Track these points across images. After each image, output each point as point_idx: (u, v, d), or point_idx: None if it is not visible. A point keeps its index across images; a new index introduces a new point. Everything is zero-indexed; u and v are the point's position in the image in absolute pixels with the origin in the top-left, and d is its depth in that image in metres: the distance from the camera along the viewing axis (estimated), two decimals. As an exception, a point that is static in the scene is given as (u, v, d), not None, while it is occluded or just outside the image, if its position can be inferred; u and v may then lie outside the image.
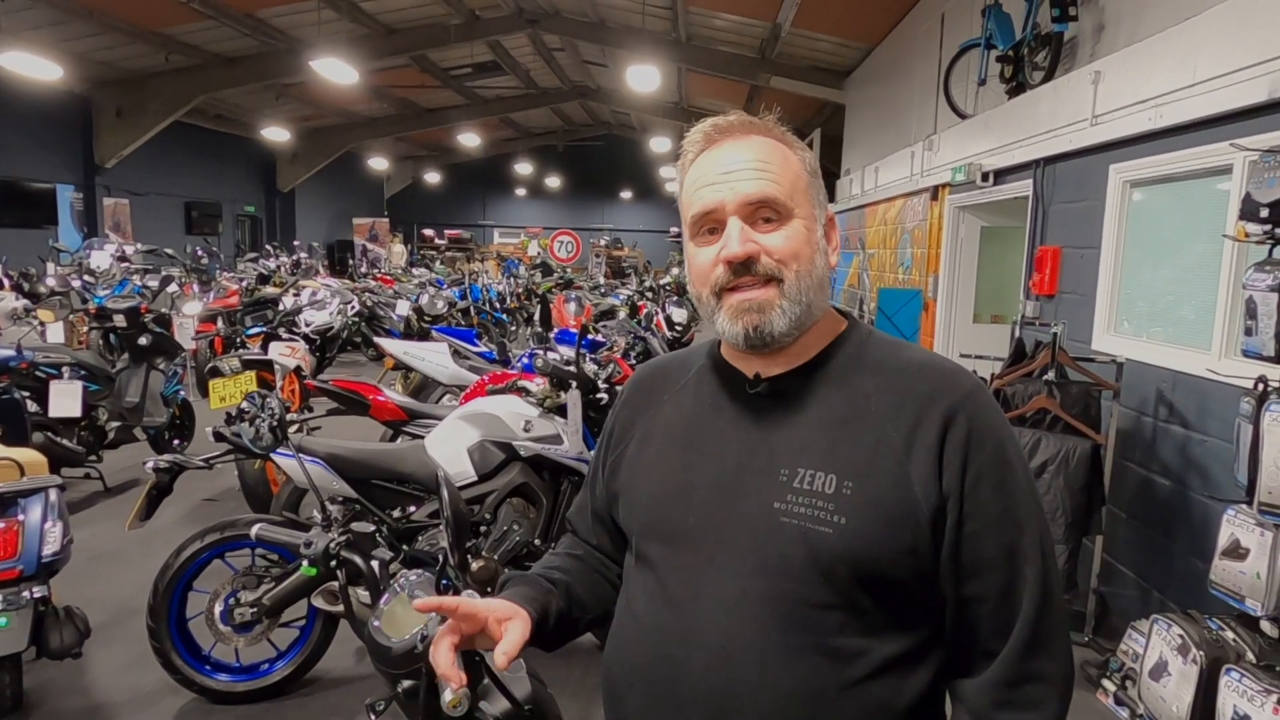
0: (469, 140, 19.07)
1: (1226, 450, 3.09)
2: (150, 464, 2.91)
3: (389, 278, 14.49)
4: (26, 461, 2.83)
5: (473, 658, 1.19)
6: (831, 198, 12.24)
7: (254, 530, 1.94)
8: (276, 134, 15.62)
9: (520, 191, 25.91)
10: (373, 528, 1.80)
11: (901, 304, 7.00)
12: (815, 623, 0.92)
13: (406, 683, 1.33)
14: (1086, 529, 3.45)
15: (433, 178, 24.64)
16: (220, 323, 8.58)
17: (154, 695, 3.01)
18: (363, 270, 16.52)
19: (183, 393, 5.90)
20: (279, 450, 3.00)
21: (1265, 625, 2.62)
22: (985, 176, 5.60)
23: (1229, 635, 2.68)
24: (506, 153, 24.04)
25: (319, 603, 2.88)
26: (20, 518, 2.69)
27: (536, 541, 3.12)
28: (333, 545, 1.70)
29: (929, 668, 0.96)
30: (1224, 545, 2.69)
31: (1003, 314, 6.52)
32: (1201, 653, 2.63)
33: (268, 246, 16.44)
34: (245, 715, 2.93)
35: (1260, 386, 2.56)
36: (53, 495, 2.86)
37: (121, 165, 14.17)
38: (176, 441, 5.95)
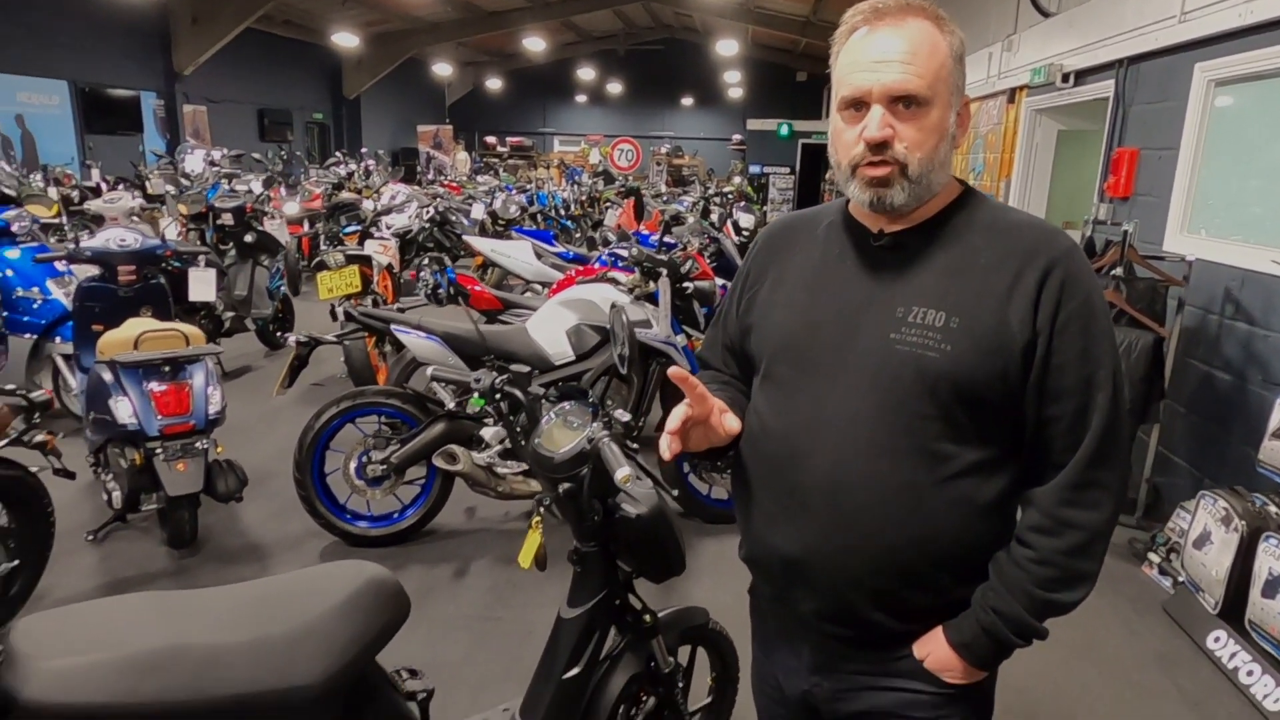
0: (533, 45, 18.88)
1: (1288, 344, 3.23)
2: (292, 339, 3.29)
3: (455, 185, 14.75)
4: (190, 333, 3.23)
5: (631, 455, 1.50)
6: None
7: (429, 371, 2.30)
8: (346, 39, 15.73)
9: (581, 98, 25.63)
10: (529, 368, 2.12)
11: (971, 209, 6.99)
12: (918, 429, 1.11)
13: (565, 486, 1.66)
14: (1144, 418, 3.64)
15: (494, 84, 24.53)
16: (306, 225, 9.02)
17: (300, 538, 3.48)
18: (429, 177, 16.76)
19: (283, 288, 6.34)
20: (401, 328, 3.37)
21: (1307, 501, 2.84)
22: (1065, 78, 5.54)
23: (1271, 509, 2.90)
24: (567, 58, 23.72)
25: (439, 462, 3.29)
26: (189, 381, 3.11)
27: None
28: (498, 381, 2.02)
29: (1005, 476, 1.15)
30: (1275, 426, 2.88)
31: (1074, 220, 6.50)
32: (1244, 522, 2.86)
33: (337, 154, 16.81)
34: (377, 556, 3.38)
35: (1323, 277, 2.69)
36: (210, 363, 3.29)
37: (198, 73, 14.53)
38: (279, 334, 6.44)
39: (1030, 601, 1.12)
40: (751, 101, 23.26)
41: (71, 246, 3.82)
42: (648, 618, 1.86)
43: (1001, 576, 1.15)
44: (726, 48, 16.50)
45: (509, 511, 3.80)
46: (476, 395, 1.99)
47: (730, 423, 1.22)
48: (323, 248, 9.84)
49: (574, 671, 1.78)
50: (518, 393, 1.94)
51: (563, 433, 1.68)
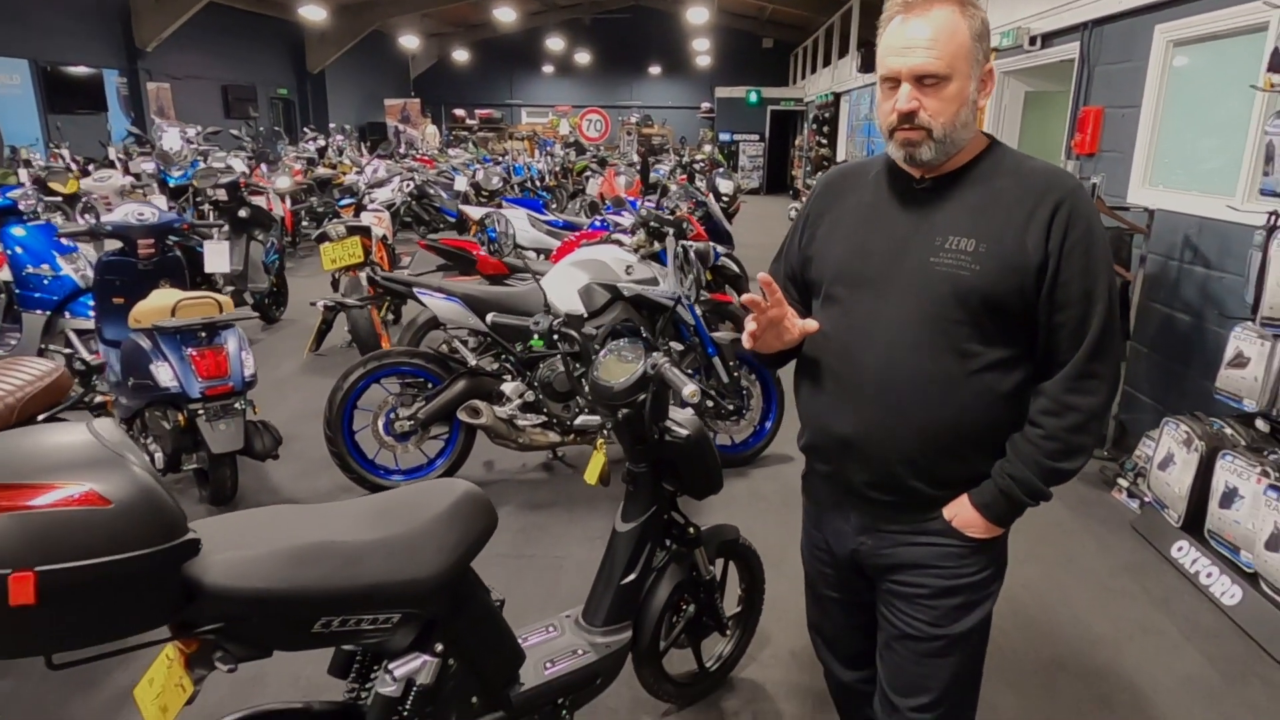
0: (504, 15, 18.74)
1: (1241, 283, 3.53)
2: (321, 303, 3.45)
3: (428, 159, 14.72)
4: (222, 301, 3.37)
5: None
6: (871, 68, 12.19)
7: (489, 318, 2.49)
8: (312, 12, 15.51)
9: (547, 69, 25.48)
10: (582, 311, 2.32)
11: (943, 170, 7.27)
12: (952, 332, 1.38)
13: (624, 412, 1.88)
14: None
15: (459, 56, 24.29)
16: (288, 201, 9.04)
17: (331, 493, 3.66)
18: (401, 151, 16.70)
19: (278, 262, 6.44)
20: (424, 290, 3.54)
21: (1259, 423, 3.16)
22: (1033, 40, 5.80)
23: (1228, 431, 3.22)
24: (533, 28, 23.55)
25: (464, 417, 3.49)
26: (225, 345, 3.27)
27: (637, 368, 3.68)
28: (555, 323, 2.22)
29: (1021, 371, 1.41)
30: (1229, 357, 3.18)
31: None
32: (1203, 443, 3.18)
33: (305, 129, 16.65)
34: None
35: (1272, 219, 2.98)
36: (240, 330, 3.44)
37: (161, 49, 14.29)
38: (275, 308, 6.55)
39: (1039, 469, 1.40)
40: (719, 69, 23.32)
41: (93, 221, 3.92)
42: (691, 530, 2.11)
43: (1016, 450, 1.42)
44: (696, 15, 16.52)
45: (525, 463, 4.02)
46: (536, 337, 2.20)
47: (809, 324, 1.49)
48: (304, 223, 9.87)
49: (630, 577, 2.02)
50: (573, 332, 2.15)
51: (619, 365, 1.90)
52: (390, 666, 1.57)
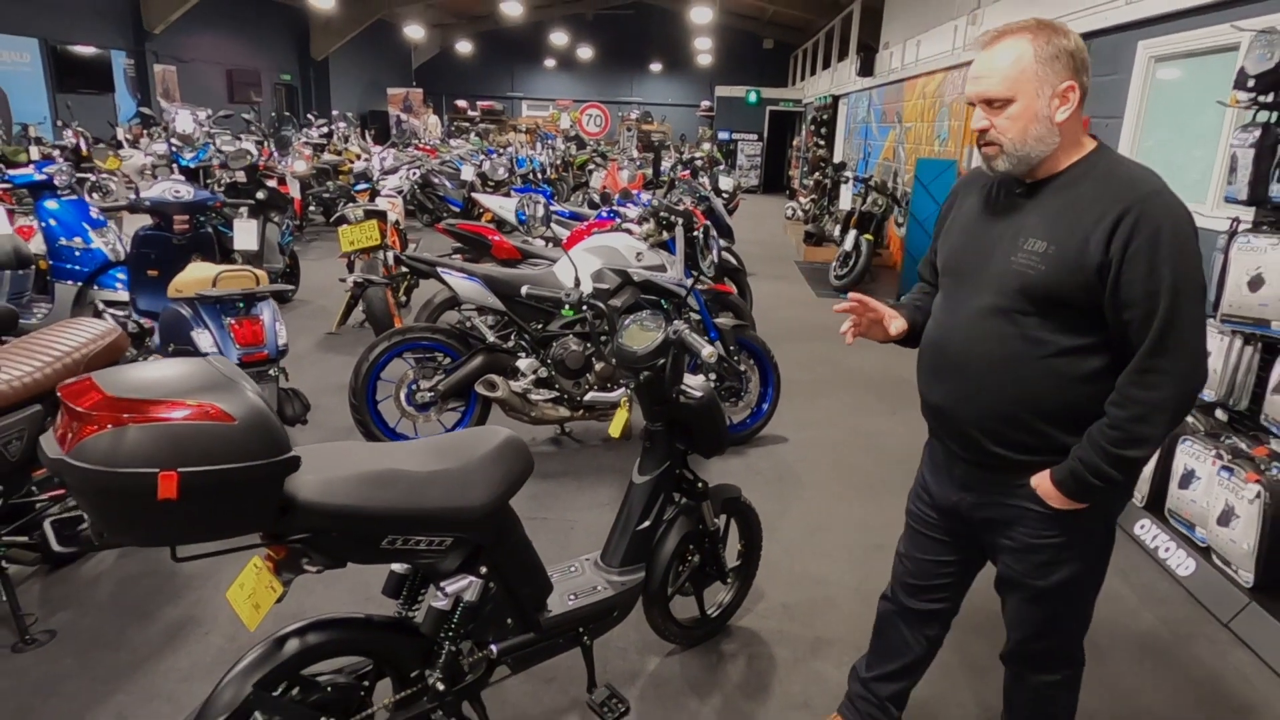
0: (511, 9, 18.90)
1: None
2: (350, 279, 3.67)
3: (431, 148, 14.91)
4: (258, 274, 3.59)
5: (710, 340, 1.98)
6: (869, 72, 12.46)
7: (524, 290, 2.73)
8: (321, 0, 15.64)
9: (549, 63, 25.67)
10: (609, 285, 2.56)
11: (937, 173, 7.55)
12: (1020, 321, 1.58)
13: (645, 374, 2.12)
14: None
15: (462, 48, 24.44)
16: (298, 186, 9.23)
17: (353, 459, 3.89)
18: (404, 142, 16.87)
19: (293, 243, 6.64)
20: (447, 270, 3.77)
21: (1218, 412, 3.42)
22: (1025, 51, 6.05)
23: (1189, 419, 3.48)
24: (536, 21, 23.73)
25: (481, 390, 3.73)
26: (261, 316, 3.49)
27: (644, 350, 3.92)
28: (585, 295, 2.46)
29: (1101, 358, 1.55)
30: (1193, 351, 3.44)
31: (1030, 183, 7.06)
32: (1166, 429, 3.43)
33: (309, 116, 16.80)
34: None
35: (1233, 224, 3.24)
36: (273, 302, 3.66)
37: (169, 31, 14.44)
38: (288, 288, 6.75)
39: (1103, 453, 1.54)
40: (720, 68, 23.55)
41: (132, 197, 4.13)
42: (700, 485, 2.35)
43: (1088, 436, 1.57)
44: (699, 15, 16.74)
45: (536, 436, 4.26)
46: (567, 307, 2.44)
47: (897, 325, 1.86)
48: (311, 207, 10.06)
49: (645, 525, 2.27)
50: (600, 304, 2.39)
51: (642, 334, 2.14)
52: (442, 584, 1.81)
